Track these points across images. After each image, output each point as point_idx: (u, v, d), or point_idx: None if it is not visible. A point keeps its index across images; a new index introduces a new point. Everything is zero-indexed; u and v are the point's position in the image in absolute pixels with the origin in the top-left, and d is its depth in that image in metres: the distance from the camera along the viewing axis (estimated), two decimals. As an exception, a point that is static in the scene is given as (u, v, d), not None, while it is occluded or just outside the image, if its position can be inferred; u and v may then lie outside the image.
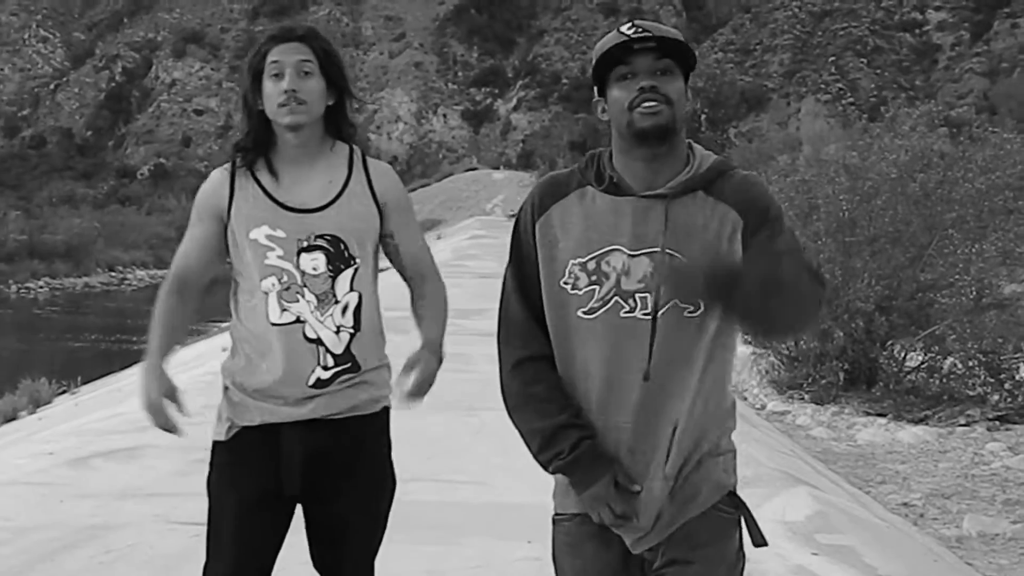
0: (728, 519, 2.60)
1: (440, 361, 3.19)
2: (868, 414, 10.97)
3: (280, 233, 3.05)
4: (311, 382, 3.05)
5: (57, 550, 5.22)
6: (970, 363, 11.67)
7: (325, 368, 3.06)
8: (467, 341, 9.05)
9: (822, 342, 11.98)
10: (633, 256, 2.47)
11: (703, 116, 38.74)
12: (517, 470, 5.82)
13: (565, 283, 2.53)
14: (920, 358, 12.09)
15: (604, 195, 2.54)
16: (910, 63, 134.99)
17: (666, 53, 2.47)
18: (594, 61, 2.53)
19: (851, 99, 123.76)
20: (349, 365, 3.09)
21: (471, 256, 30.87)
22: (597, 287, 2.49)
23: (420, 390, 3.13)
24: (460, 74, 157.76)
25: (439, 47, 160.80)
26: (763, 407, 11.78)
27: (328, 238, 3.06)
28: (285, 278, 3.05)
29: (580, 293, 2.51)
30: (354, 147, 3.22)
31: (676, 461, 2.53)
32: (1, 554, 5.19)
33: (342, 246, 3.07)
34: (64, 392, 14.85)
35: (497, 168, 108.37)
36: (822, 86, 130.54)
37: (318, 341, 3.06)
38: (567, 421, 2.53)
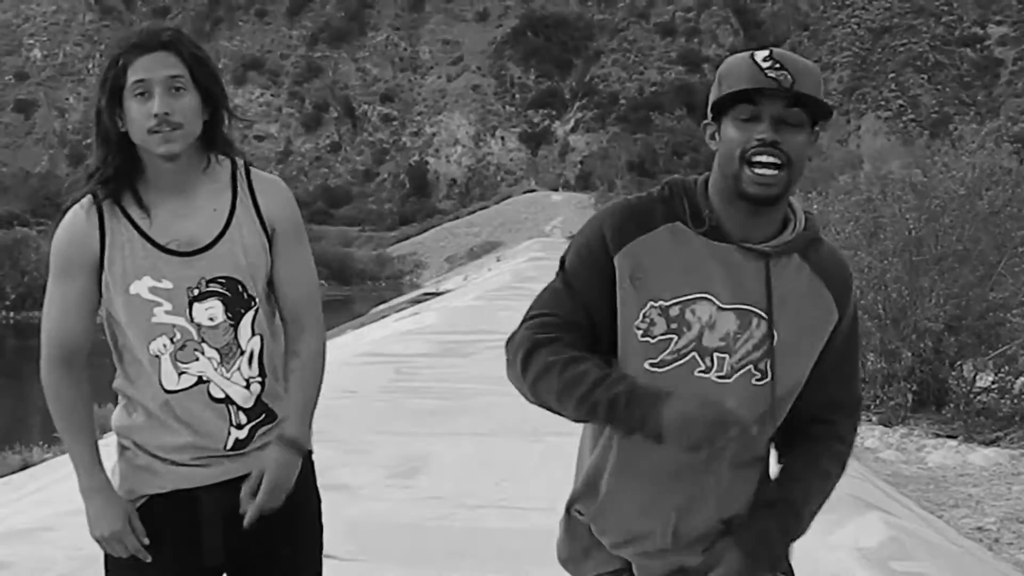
0: None
1: (302, 454, 2.69)
2: (938, 436, 10.79)
3: (166, 284, 2.56)
4: (229, 445, 2.62)
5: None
6: (1042, 383, 11.47)
7: (239, 427, 2.63)
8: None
9: (890, 362, 11.81)
10: (723, 309, 2.22)
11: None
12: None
13: (637, 327, 2.24)
14: (991, 378, 11.88)
15: (701, 237, 2.25)
16: (971, 78, 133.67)
17: (798, 101, 2.18)
18: (718, 85, 2.25)
19: (912, 116, 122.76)
20: (264, 417, 2.66)
21: (531, 278, 30.86)
22: (675, 337, 2.22)
23: (272, 498, 2.63)
24: (517, 96, 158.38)
25: (496, 70, 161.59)
26: (830, 429, 11.63)
27: (222, 281, 2.58)
28: (178, 336, 2.57)
29: (652, 341, 2.24)
30: (236, 160, 2.69)
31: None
32: (72, 581, 5.22)
33: (239, 287, 2.60)
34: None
35: (555, 190, 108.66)
36: (882, 103, 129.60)
37: (227, 400, 2.61)
38: (615, 373, 2.23)
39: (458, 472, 7.42)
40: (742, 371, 2.24)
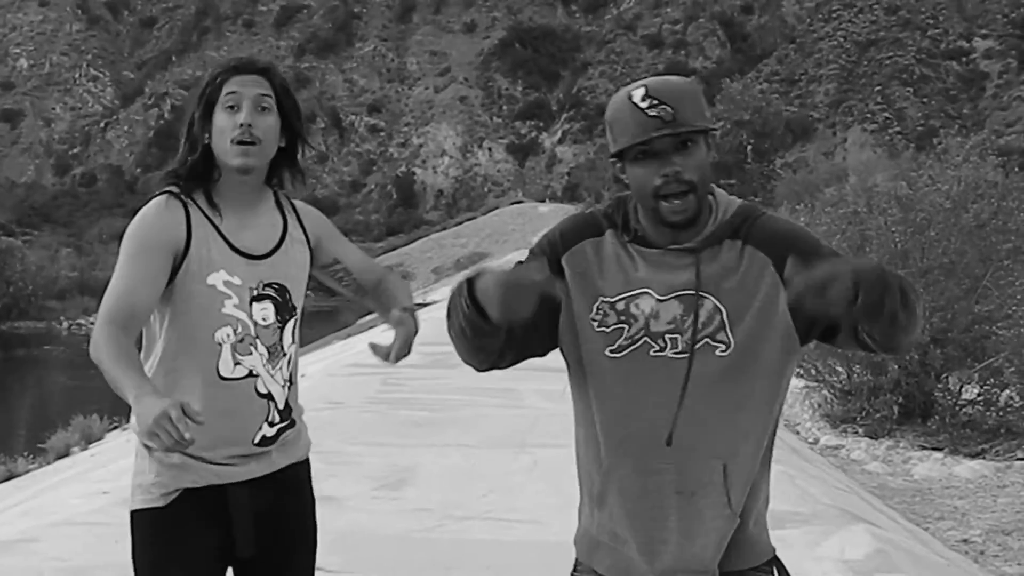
0: None
1: (417, 327, 3.01)
2: (924, 448, 10.82)
3: (236, 280, 2.83)
4: (256, 439, 2.86)
5: (112, 589, 5.21)
6: (1027, 396, 11.50)
7: (271, 424, 2.88)
8: (515, 376, 8.97)
9: (876, 375, 11.85)
10: (662, 301, 2.41)
11: (749, 147, 38.56)
12: (571, 508, 5.76)
13: (592, 319, 2.45)
14: (976, 391, 11.91)
15: (632, 244, 2.47)
16: (957, 91, 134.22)
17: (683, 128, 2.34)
18: (609, 134, 2.43)
19: (898, 128, 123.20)
20: (290, 420, 2.94)
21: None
22: (626, 326, 2.42)
23: (404, 349, 2.92)
24: (505, 108, 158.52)
25: (484, 81, 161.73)
26: (816, 441, 11.64)
27: (275, 287, 2.88)
28: (240, 329, 2.83)
29: (608, 331, 2.44)
30: (276, 189, 3.00)
31: (739, 499, 2.42)
32: (57, 593, 5.20)
33: (287, 295, 2.91)
34: (116, 428, 14.92)
35: (543, 201, 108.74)
36: (868, 115, 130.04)
37: (269, 396, 2.88)
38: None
39: (445, 484, 7.41)
40: (701, 345, 2.39)
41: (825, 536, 6.25)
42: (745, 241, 2.43)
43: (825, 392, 12.71)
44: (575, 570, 2.59)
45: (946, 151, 13.93)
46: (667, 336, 2.40)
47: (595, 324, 2.45)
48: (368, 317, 40.91)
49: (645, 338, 2.40)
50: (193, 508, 2.80)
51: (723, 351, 2.39)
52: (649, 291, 2.42)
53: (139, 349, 2.82)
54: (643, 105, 2.34)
